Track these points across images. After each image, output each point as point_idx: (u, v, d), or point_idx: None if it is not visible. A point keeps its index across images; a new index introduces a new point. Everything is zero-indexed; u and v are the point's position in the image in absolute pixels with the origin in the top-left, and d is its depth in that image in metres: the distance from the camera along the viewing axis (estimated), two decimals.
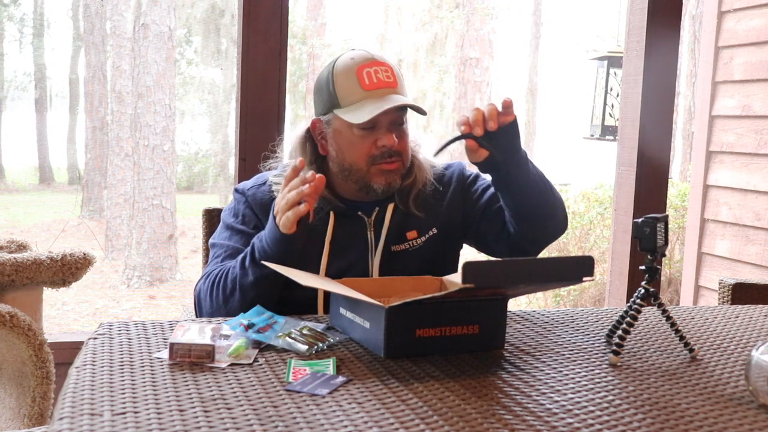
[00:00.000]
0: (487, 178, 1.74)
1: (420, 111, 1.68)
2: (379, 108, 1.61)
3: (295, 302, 1.63)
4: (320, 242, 1.69)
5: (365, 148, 1.66)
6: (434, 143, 1.69)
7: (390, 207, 1.73)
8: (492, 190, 1.77)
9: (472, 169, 1.82)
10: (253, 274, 1.58)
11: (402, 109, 1.67)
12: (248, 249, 1.61)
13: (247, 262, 1.59)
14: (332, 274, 1.67)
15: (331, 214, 1.71)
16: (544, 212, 1.70)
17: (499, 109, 1.55)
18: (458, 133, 1.57)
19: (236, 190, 1.77)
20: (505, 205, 1.71)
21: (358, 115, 1.63)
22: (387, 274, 1.69)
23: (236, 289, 1.59)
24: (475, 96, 10.39)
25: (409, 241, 1.73)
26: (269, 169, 1.83)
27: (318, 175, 1.52)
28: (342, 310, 1.41)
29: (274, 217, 1.55)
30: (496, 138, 1.56)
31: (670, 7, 2.78)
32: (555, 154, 17.93)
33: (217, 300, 1.62)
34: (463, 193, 1.80)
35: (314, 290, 1.65)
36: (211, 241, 1.77)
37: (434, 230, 1.75)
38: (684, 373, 1.27)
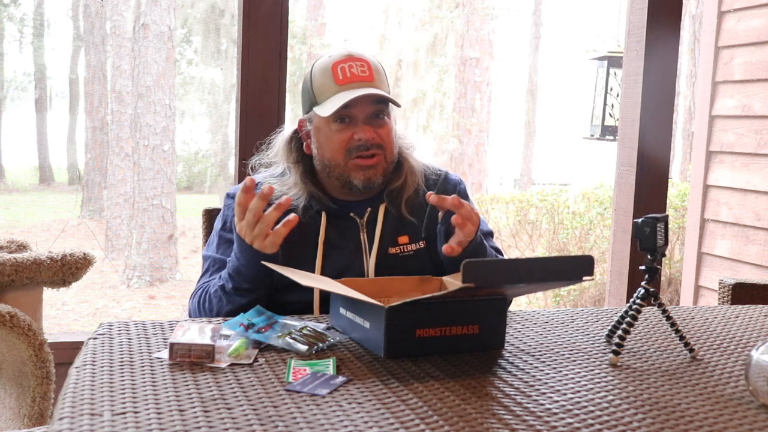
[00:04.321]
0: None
1: (393, 102, 1.67)
2: (346, 98, 1.62)
3: (291, 305, 1.63)
4: (314, 243, 1.69)
5: (342, 142, 1.66)
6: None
7: (382, 208, 1.72)
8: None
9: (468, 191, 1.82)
10: (229, 304, 1.58)
11: (380, 102, 1.66)
12: (224, 277, 1.60)
13: (228, 288, 1.59)
14: (327, 275, 1.66)
15: (323, 214, 1.70)
16: None
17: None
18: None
19: (228, 195, 1.76)
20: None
21: (329, 107, 1.64)
22: (383, 276, 1.67)
23: (221, 314, 1.61)
24: (475, 96, 10.39)
25: (400, 246, 1.71)
26: (252, 168, 1.83)
27: (284, 197, 1.50)
28: (342, 310, 1.41)
29: (242, 240, 1.52)
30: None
31: (670, 7, 2.78)
32: (555, 154, 17.95)
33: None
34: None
35: (310, 294, 1.65)
36: (203, 253, 1.78)
37: (422, 243, 1.72)
38: (684, 373, 1.27)
